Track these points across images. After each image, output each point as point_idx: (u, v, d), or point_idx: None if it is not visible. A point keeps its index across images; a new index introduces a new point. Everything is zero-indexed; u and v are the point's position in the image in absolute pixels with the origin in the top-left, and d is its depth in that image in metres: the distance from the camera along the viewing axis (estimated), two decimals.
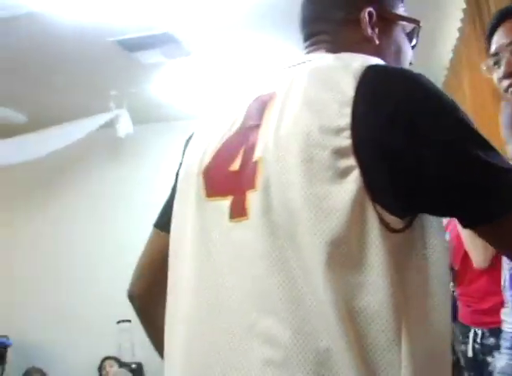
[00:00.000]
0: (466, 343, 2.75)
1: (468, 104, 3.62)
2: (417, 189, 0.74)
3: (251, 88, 0.97)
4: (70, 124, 4.85)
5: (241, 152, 0.84)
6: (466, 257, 2.54)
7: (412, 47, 1.07)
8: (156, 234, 1.07)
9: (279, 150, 0.77)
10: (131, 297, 1.12)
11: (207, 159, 0.89)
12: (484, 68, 1.40)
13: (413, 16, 1.06)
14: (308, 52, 1.01)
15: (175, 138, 6.10)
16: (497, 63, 1.34)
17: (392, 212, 0.72)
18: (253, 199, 0.78)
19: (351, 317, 0.70)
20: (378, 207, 0.72)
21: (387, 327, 0.70)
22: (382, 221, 0.72)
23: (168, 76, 4.90)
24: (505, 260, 1.43)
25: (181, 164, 1.00)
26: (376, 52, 0.95)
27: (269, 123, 0.81)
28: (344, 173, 0.72)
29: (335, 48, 0.96)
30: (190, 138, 1.04)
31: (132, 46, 4.21)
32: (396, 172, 0.73)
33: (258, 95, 0.91)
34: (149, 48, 4.24)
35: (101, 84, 4.85)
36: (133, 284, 1.12)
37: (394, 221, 0.73)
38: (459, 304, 2.82)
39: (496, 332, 2.43)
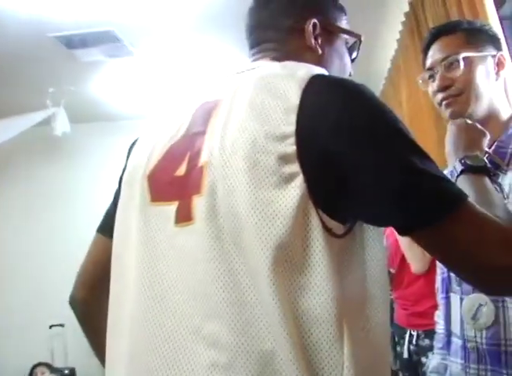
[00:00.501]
0: (401, 345, 2.84)
1: (405, 113, 3.75)
2: (356, 197, 0.76)
3: (197, 94, 0.97)
4: (4, 121, 4.68)
5: (187, 157, 0.84)
6: (403, 261, 2.62)
7: (353, 60, 1.12)
8: (100, 239, 1.06)
9: (225, 156, 0.78)
10: (74, 302, 1.10)
11: (152, 164, 0.89)
12: (420, 81, 1.45)
13: (354, 26, 1.10)
14: (255, 60, 1.03)
15: (114, 138, 6.07)
16: (432, 77, 1.39)
17: (334, 218, 0.75)
18: (198, 204, 0.79)
19: (295, 319, 0.72)
20: (321, 213, 0.73)
21: (329, 329, 0.72)
22: (325, 226, 0.74)
23: (109, 75, 4.81)
24: (438, 264, 1.49)
25: (124, 169, 1.00)
26: (318, 61, 0.99)
27: (215, 129, 0.82)
28: (288, 179, 0.73)
29: (280, 55, 0.98)
30: (134, 143, 1.04)
31: (72, 43, 4.09)
32: (337, 180, 0.74)
33: (204, 101, 0.91)
34: (90, 46, 4.14)
35: (38, 81, 4.70)
36: (76, 289, 1.11)
37: (336, 226, 0.75)
38: (396, 307, 2.90)
39: (431, 334, 2.51)
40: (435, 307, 1.66)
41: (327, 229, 0.74)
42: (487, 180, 1.06)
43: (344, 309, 0.74)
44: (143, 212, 0.87)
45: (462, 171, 1.09)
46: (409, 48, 3.41)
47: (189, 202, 0.80)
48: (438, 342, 1.50)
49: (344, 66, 1.08)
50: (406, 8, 3.38)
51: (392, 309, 2.91)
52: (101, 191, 5.89)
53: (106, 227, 1.01)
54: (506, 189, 1.25)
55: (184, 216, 0.81)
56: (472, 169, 1.07)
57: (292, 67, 0.86)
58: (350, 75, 1.10)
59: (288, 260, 0.73)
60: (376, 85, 4.85)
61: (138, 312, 0.84)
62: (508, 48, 2.20)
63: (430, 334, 2.50)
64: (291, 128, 0.75)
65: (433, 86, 1.38)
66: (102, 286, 0.97)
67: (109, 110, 5.73)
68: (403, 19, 3.51)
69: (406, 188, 0.74)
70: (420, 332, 2.62)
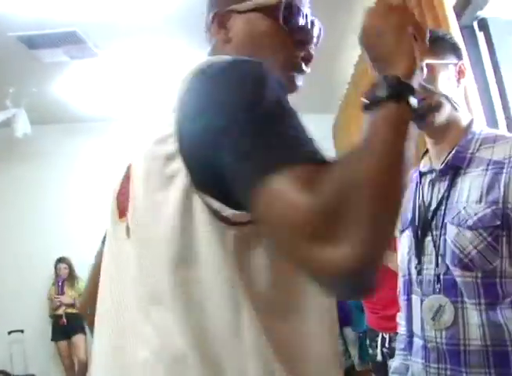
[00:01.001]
0: (374, 347, 2.87)
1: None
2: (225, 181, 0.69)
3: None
4: None
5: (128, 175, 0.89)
6: None
7: (290, 23, 0.95)
8: (101, 249, 1.12)
9: (135, 172, 0.82)
10: (81, 309, 1.22)
11: (119, 184, 0.93)
12: None
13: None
14: None
15: (77, 139, 6.01)
16: None
17: (230, 205, 0.70)
18: (129, 218, 0.83)
19: (193, 313, 0.72)
20: (213, 202, 0.71)
21: (226, 321, 0.72)
22: (219, 215, 0.71)
23: (72, 76, 4.76)
24: (401, 268, 1.52)
25: None
26: (237, 50, 0.94)
27: (139, 145, 0.85)
28: (172, 176, 0.73)
29: (212, 54, 0.97)
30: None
31: (34, 43, 4.04)
32: (211, 167, 0.69)
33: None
34: (53, 46, 4.10)
35: None
36: (82, 297, 1.23)
37: (235, 214, 0.71)
38: (366, 310, 2.93)
39: None
40: None
41: (222, 219, 0.71)
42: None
43: (251, 293, 0.72)
44: (114, 229, 0.92)
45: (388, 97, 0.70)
46: None
47: (127, 217, 0.84)
48: (400, 343, 1.53)
49: (274, 47, 0.96)
50: None
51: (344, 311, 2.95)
52: (63, 191, 5.90)
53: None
54: (466, 190, 1.30)
55: (127, 229, 0.84)
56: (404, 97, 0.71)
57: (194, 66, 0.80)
58: (306, 59, 1.00)
59: (182, 253, 0.73)
60: (341, 90, 4.93)
61: (103, 315, 0.89)
62: (468, 55, 2.27)
63: None
64: (171, 128, 0.74)
65: None
66: None
67: (72, 111, 5.67)
68: None
69: (231, 162, 0.67)
70: (391, 335, 2.63)
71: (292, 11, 0.95)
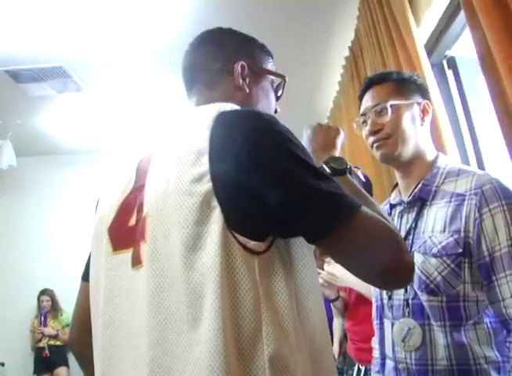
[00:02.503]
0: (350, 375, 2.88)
1: (346, 150, 3.92)
2: (266, 217, 0.84)
3: (140, 150, 1.09)
4: None
5: (135, 209, 0.96)
6: (360, 303, 2.62)
7: (278, 98, 1.24)
8: (84, 286, 1.16)
9: (159, 205, 0.89)
10: (69, 345, 1.24)
11: (111, 218, 1.02)
12: (355, 126, 1.59)
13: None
14: (188, 105, 1.15)
15: (62, 171, 6.04)
16: (365, 122, 1.54)
17: (252, 238, 0.84)
18: (145, 249, 0.90)
19: (226, 332, 0.80)
20: (239, 237, 0.83)
21: (251, 334, 0.81)
22: (245, 247, 0.83)
23: (58, 110, 4.83)
24: (373, 293, 1.59)
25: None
26: (246, 99, 1.13)
27: (150, 182, 0.94)
28: (208, 214, 0.83)
29: (210, 97, 1.10)
30: (99, 200, 1.15)
31: (21, 77, 4.12)
32: (249, 205, 0.84)
33: (143, 156, 1.04)
34: (39, 80, 4.18)
35: None
36: (70, 333, 1.24)
37: (256, 245, 0.84)
38: (348, 337, 2.92)
39: None
40: None
41: (247, 249, 0.83)
42: (351, 179, 1.12)
43: (273, 319, 0.83)
44: (107, 261, 0.99)
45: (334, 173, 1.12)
46: (348, 89, 3.60)
47: (139, 248, 0.92)
48: (375, 366, 1.59)
49: (269, 104, 1.20)
50: (347, 52, 3.58)
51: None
52: (47, 223, 5.90)
53: (87, 274, 1.10)
54: (431, 220, 1.39)
55: (137, 260, 0.92)
56: (338, 172, 1.11)
57: (208, 110, 0.94)
58: (276, 112, 1.23)
59: (218, 284, 0.81)
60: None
61: (105, 346, 0.95)
62: (440, 92, 2.39)
63: None
64: (205, 168, 0.84)
65: (365, 130, 1.52)
66: (89, 328, 1.05)
67: (57, 143, 5.72)
68: (344, 62, 3.71)
69: (305, 204, 0.84)
70: (368, 367, 2.58)
71: (283, 87, 1.24)
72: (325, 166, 1.12)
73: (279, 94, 1.24)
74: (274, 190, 0.84)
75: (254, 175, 0.84)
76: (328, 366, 0.93)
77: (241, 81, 1.14)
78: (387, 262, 0.88)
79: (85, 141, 5.71)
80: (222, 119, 0.90)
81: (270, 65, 1.22)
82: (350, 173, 1.13)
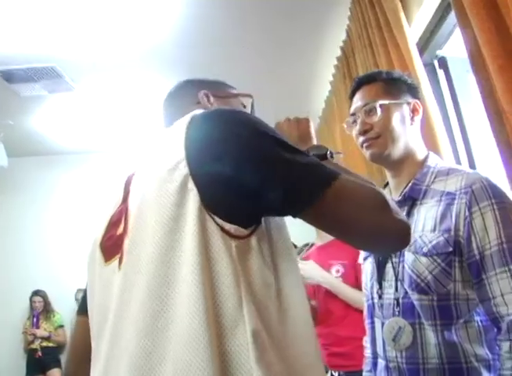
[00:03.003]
0: None
1: (338, 149, 3.91)
2: (243, 198, 0.86)
3: (129, 167, 1.12)
4: None
5: (123, 218, 0.98)
6: (328, 302, 2.60)
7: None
8: (81, 319, 1.19)
9: (140, 198, 0.94)
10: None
11: (102, 233, 1.05)
12: (346, 126, 1.60)
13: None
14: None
15: (54, 172, 6.02)
16: (355, 122, 1.54)
17: (232, 222, 0.86)
18: (126, 242, 0.93)
19: (214, 317, 0.81)
20: (217, 219, 0.85)
21: (232, 314, 0.82)
22: (222, 229, 0.85)
23: (50, 110, 4.81)
24: (364, 293, 1.60)
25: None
26: None
27: (132, 186, 0.99)
28: (185, 196, 0.85)
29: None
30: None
31: (13, 78, 4.11)
32: (225, 187, 0.86)
33: (129, 174, 1.07)
34: (31, 81, 4.17)
35: None
36: (66, 365, 1.26)
37: (236, 229, 0.86)
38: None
39: (352, 375, 2.54)
40: (358, 348, 1.71)
41: (224, 231, 0.85)
42: (334, 162, 1.15)
43: (254, 304, 0.84)
44: (101, 273, 1.01)
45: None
46: (340, 89, 3.61)
47: (123, 247, 0.93)
48: (367, 365, 1.60)
49: None
50: (338, 52, 3.58)
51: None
52: (40, 223, 5.87)
53: (85, 308, 1.11)
54: (422, 220, 1.40)
55: (121, 260, 0.93)
56: (321, 157, 1.12)
57: (183, 118, 0.98)
58: None
59: (198, 264, 0.82)
60: (313, 124, 5.06)
61: (103, 355, 0.94)
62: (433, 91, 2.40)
63: (350, 375, 2.48)
64: (181, 154, 0.88)
65: (355, 130, 1.52)
66: (87, 359, 1.04)
67: (49, 144, 5.71)
68: (335, 62, 3.72)
69: (284, 176, 0.87)
70: (341, 373, 2.59)
71: (253, 107, 1.32)
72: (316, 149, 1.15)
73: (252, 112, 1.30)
74: (251, 169, 0.86)
75: (229, 156, 0.87)
76: (310, 361, 0.92)
77: (209, 105, 1.20)
78: (376, 223, 0.90)
79: (77, 141, 5.70)
80: (198, 116, 0.95)
81: (234, 92, 1.31)
82: (332, 156, 1.15)
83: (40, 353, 5.55)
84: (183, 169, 0.86)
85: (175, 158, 0.88)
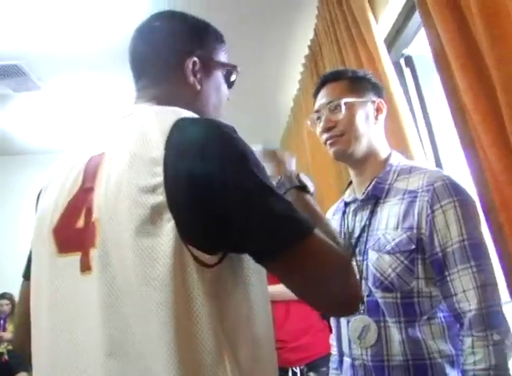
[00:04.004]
0: None
1: (307, 147, 3.94)
2: (219, 232, 0.82)
3: (88, 146, 1.03)
4: None
5: (83, 211, 0.91)
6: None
7: (230, 86, 1.20)
8: (25, 284, 1.11)
9: (109, 211, 0.85)
10: (14, 345, 1.20)
11: (56, 218, 0.96)
12: (309, 123, 1.59)
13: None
14: (136, 100, 1.10)
15: (25, 172, 5.90)
16: (319, 119, 1.53)
17: (206, 252, 0.82)
18: (94, 256, 0.86)
19: (181, 348, 0.78)
20: (193, 249, 0.81)
21: (210, 352, 0.80)
22: (198, 260, 0.81)
23: (15, 109, 4.72)
24: None
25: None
26: (196, 96, 1.10)
27: (100, 185, 0.89)
28: (161, 226, 0.80)
29: (158, 93, 1.07)
30: (40, 193, 1.09)
31: None
32: (203, 220, 0.81)
33: (92, 154, 0.98)
34: None
35: None
36: (14, 332, 1.20)
37: (209, 258, 0.83)
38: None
39: (314, 365, 2.58)
40: (314, 335, 1.72)
41: (200, 262, 0.81)
42: (309, 197, 1.12)
43: (225, 330, 0.83)
44: (52, 263, 0.94)
45: (289, 188, 1.12)
46: (308, 87, 3.60)
47: (88, 254, 0.88)
48: (333, 363, 1.60)
49: (220, 96, 1.16)
50: (306, 51, 3.59)
51: None
52: (11, 225, 5.76)
53: (29, 272, 1.05)
54: (385, 218, 1.40)
55: (85, 266, 0.88)
56: (301, 187, 1.12)
57: (162, 114, 0.92)
58: (228, 99, 1.20)
59: (173, 297, 0.79)
60: (282, 122, 5.07)
61: (50, 353, 0.91)
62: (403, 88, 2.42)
63: (312, 365, 2.52)
64: (159, 179, 0.81)
65: (319, 127, 1.52)
66: None
67: (19, 144, 5.60)
68: (304, 61, 3.72)
69: (256, 224, 0.82)
70: (302, 367, 2.58)
71: (236, 74, 1.19)
72: (289, 178, 1.13)
73: (231, 81, 1.19)
74: (227, 207, 0.81)
75: (209, 191, 0.81)
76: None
77: (192, 78, 1.09)
78: (335, 292, 0.88)
79: (48, 141, 5.60)
80: (180, 128, 0.87)
81: (223, 54, 1.17)
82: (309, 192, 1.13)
83: (6, 357, 5.45)
84: (160, 196, 0.80)
85: (152, 179, 0.82)
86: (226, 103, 1.21)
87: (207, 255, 0.82)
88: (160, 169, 0.82)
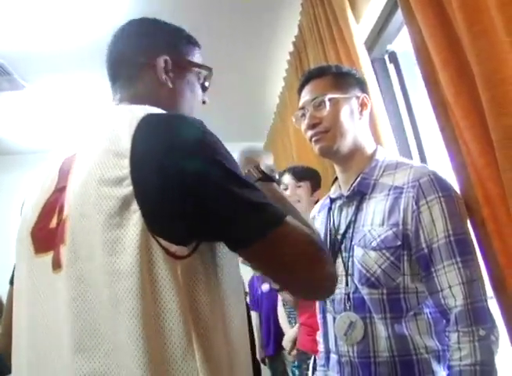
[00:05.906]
0: (303, 369, 2.88)
1: (292, 144, 3.94)
2: (189, 223, 0.83)
3: (64, 148, 1.06)
4: None
5: (56, 211, 0.93)
6: None
7: (205, 89, 1.21)
8: (11, 290, 1.13)
9: (79, 207, 0.86)
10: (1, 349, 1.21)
11: (33, 220, 0.98)
12: (294, 119, 1.58)
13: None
14: (112, 101, 1.13)
15: (13, 172, 5.83)
16: (303, 116, 1.53)
17: (175, 242, 0.83)
18: (64, 252, 0.87)
19: (149, 339, 0.78)
20: (162, 241, 0.81)
21: (180, 342, 0.80)
22: (167, 252, 0.82)
23: (0, 109, 4.67)
24: None
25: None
26: (169, 94, 1.12)
27: (71, 184, 0.91)
28: (128, 218, 0.81)
29: (133, 93, 1.09)
30: (24, 200, 1.11)
31: None
32: (172, 211, 0.82)
33: (67, 156, 1.01)
34: None
35: None
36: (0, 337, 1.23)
37: (179, 249, 0.83)
38: (301, 331, 2.92)
39: None
40: None
41: (170, 254, 0.82)
42: (275, 185, 1.14)
43: (196, 323, 0.83)
44: (30, 263, 0.96)
45: (259, 179, 1.12)
46: (293, 84, 3.60)
47: (59, 251, 0.89)
48: (320, 360, 1.60)
49: (194, 97, 1.18)
50: (291, 48, 3.58)
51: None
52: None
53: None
54: (370, 214, 1.40)
55: (57, 264, 0.89)
56: (267, 178, 1.13)
57: (131, 112, 0.92)
58: (204, 103, 1.21)
59: (138, 288, 0.79)
60: (268, 119, 5.06)
61: (29, 352, 0.92)
62: (380, 86, 2.43)
63: None
64: (126, 171, 0.82)
65: (304, 124, 1.51)
66: None
67: (5, 144, 5.55)
68: (288, 58, 3.72)
69: (227, 213, 0.84)
70: None
71: (211, 76, 1.21)
72: (254, 170, 1.13)
73: (206, 85, 1.21)
74: (197, 198, 0.82)
75: (177, 182, 0.82)
76: (243, 368, 0.94)
77: (164, 76, 1.11)
78: (309, 275, 0.89)
79: (33, 141, 5.54)
80: (147, 122, 0.88)
81: (197, 57, 1.19)
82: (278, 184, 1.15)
83: None
84: (127, 188, 0.81)
85: (118, 171, 0.83)
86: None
87: (177, 246, 0.83)
88: (126, 161, 0.83)
